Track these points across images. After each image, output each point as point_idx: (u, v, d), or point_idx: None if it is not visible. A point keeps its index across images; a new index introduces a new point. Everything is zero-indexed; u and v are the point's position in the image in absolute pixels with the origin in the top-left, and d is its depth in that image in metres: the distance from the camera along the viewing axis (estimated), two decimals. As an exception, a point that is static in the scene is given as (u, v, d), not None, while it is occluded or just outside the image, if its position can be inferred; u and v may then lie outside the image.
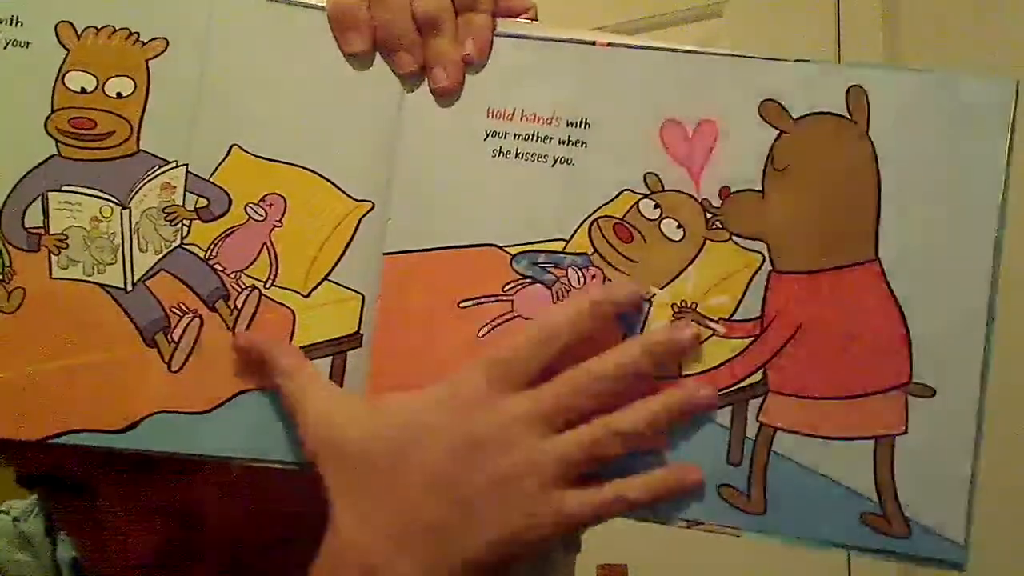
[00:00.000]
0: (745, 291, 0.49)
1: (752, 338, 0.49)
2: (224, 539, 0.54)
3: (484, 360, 0.47)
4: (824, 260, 0.49)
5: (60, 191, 0.50)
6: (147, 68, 0.51)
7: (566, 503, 0.46)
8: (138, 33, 0.51)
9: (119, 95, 0.50)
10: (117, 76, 0.51)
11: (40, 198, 0.50)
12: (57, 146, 0.50)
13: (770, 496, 0.49)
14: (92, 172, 0.50)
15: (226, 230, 0.51)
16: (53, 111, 0.50)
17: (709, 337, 0.50)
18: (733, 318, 0.49)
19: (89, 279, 0.50)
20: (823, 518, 0.48)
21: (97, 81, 0.50)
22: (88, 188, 0.50)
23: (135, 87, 0.50)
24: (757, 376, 0.49)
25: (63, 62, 0.51)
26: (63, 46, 0.51)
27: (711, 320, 0.50)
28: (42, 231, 0.50)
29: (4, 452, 0.53)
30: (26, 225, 0.50)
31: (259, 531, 0.55)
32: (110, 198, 0.50)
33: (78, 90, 0.50)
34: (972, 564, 0.48)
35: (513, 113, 0.51)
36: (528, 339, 0.47)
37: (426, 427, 0.45)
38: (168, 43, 0.51)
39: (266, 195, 0.51)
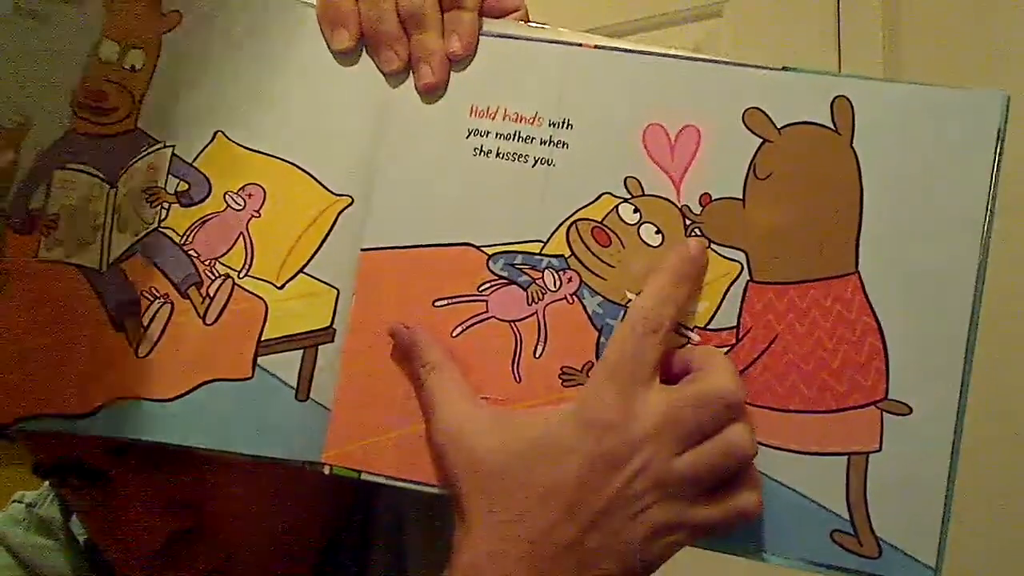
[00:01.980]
0: (722, 300, 0.49)
1: (727, 347, 0.49)
2: (230, 534, 0.54)
3: (606, 366, 0.46)
4: (803, 272, 0.48)
5: (64, 169, 0.49)
6: (160, 42, 0.51)
7: (695, 517, 0.45)
8: (161, 1, 0.51)
9: (133, 68, 0.50)
10: (135, 48, 0.51)
11: (46, 177, 0.50)
12: (74, 120, 0.50)
13: (739, 509, 0.48)
14: (95, 148, 0.50)
15: (204, 216, 0.50)
16: (81, 79, 0.50)
17: (684, 345, 0.49)
18: (709, 327, 0.49)
19: (69, 260, 0.49)
20: (792, 533, 0.47)
21: (119, 51, 0.50)
22: (87, 165, 0.50)
23: (145, 62, 0.50)
24: (731, 386, 0.48)
25: (101, 28, 0.51)
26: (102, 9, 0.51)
27: (686, 328, 0.49)
28: (40, 213, 0.49)
29: (28, 440, 0.53)
30: (29, 206, 0.49)
31: (265, 528, 0.55)
32: (102, 176, 0.50)
33: (105, 60, 0.50)
34: (943, 587, 0.46)
35: (496, 112, 0.51)
36: (635, 332, 0.46)
37: (560, 446, 0.45)
38: (181, 16, 0.51)
39: (246, 185, 0.51)
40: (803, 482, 0.48)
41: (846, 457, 0.47)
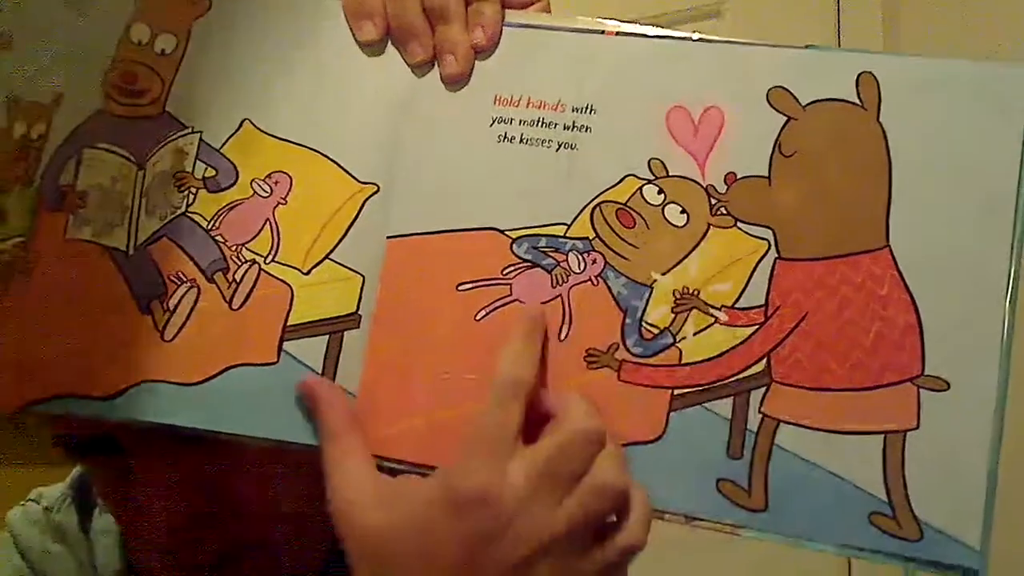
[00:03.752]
0: (750, 278, 0.48)
1: (756, 326, 0.48)
2: (244, 519, 0.54)
3: (469, 437, 0.45)
4: (833, 247, 0.47)
5: (94, 148, 0.51)
6: (190, 28, 0.52)
7: (587, 567, 0.45)
8: None
9: (163, 52, 0.52)
10: (166, 32, 0.52)
11: (75, 154, 0.51)
12: (104, 100, 0.52)
13: (772, 492, 0.46)
14: (123, 129, 0.51)
15: (231, 203, 0.51)
16: (113, 63, 0.52)
17: (711, 325, 0.48)
18: (736, 305, 0.48)
19: (96, 240, 0.50)
20: (829, 517, 0.46)
21: (151, 34, 0.52)
22: (116, 146, 0.51)
23: (176, 45, 0.52)
24: (760, 366, 0.47)
25: (133, 10, 0.52)
26: None
27: (713, 307, 0.48)
28: (69, 188, 0.51)
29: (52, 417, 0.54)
30: (59, 182, 0.51)
31: (278, 517, 0.55)
32: (131, 158, 0.51)
33: (136, 43, 0.52)
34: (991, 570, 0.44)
35: (519, 100, 0.51)
36: (499, 399, 0.46)
37: (434, 523, 0.44)
38: (211, 4, 0.53)
39: (273, 172, 0.51)
40: (838, 463, 0.46)
41: (882, 436, 0.46)
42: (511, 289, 0.49)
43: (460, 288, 0.50)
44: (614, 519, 0.45)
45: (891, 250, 0.47)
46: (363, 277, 0.50)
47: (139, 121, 0.52)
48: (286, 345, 0.50)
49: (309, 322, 0.50)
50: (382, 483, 0.47)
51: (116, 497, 0.57)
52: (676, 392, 0.48)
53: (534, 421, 0.46)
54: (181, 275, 0.50)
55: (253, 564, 0.56)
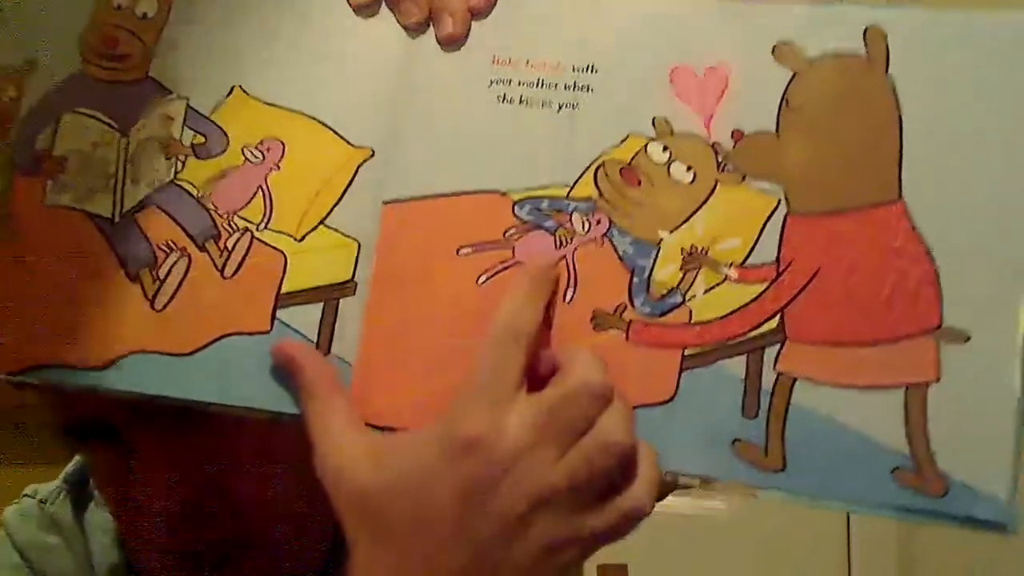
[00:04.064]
0: (760, 234, 0.47)
1: (767, 283, 0.46)
2: (243, 508, 0.54)
3: (468, 383, 0.44)
4: (844, 201, 0.46)
5: (74, 112, 0.49)
6: None
7: (584, 528, 0.43)
8: None
9: (144, 16, 0.50)
10: None
11: (53, 119, 0.49)
12: (83, 64, 0.50)
13: (790, 451, 0.45)
14: (104, 94, 0.50)
15: (222, 170, 0.49)
16: (90, 24, 0.50)
17: (721, 283, 0.46)
18: (747, 262, 0.46)
19: (77, 206, 0.49)
20: (849, 475, 0.44)
21: None
22: (97, 111, 0.49)
23: (158, 9, 0.50)
24: (773, 323, 0.46)
25: None
26: None
27: (723, 265, 0.47)
28: (46, 154, 0.49)
29: (49, 396, 0.53)
30: (35, 146, 0.49)
31: (278, 508, 0.55)
32: (112, 123, 0.49)
33: (116, 7, 0.50)
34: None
35: (518, 60, 0.50)
36: (497, 344, 0.44)
37: (428, 475, 0.43)
38: None
39: (265, 139, 0.50)
40: (858, 419, 0.44)
41: (903, 390, 0.44)
42: (514, 252, 0.48)
43: (460, 252, 0.48)
44: (620, 481, 0.43)
45: (905, 203, 0.46)
46: (359, 243, 0.49)
47: (121, 86, 0.50)
48: (280, 314, 0.48)
49: (303, 290, 0.48)
50: (372, 441, 0.45)
51: (114, 487, 0.55)
52: (687, 352, 0.46)
53: (540, 380, 0.44)
54: (171, 243, 0.49)
55: (253, 563, 0.55)
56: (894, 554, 1.66)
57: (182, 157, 0.49)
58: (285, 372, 0.47)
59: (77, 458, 0.66)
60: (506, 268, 0.48)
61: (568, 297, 0.47)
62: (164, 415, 0.49)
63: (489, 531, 0.42)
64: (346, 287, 0.48)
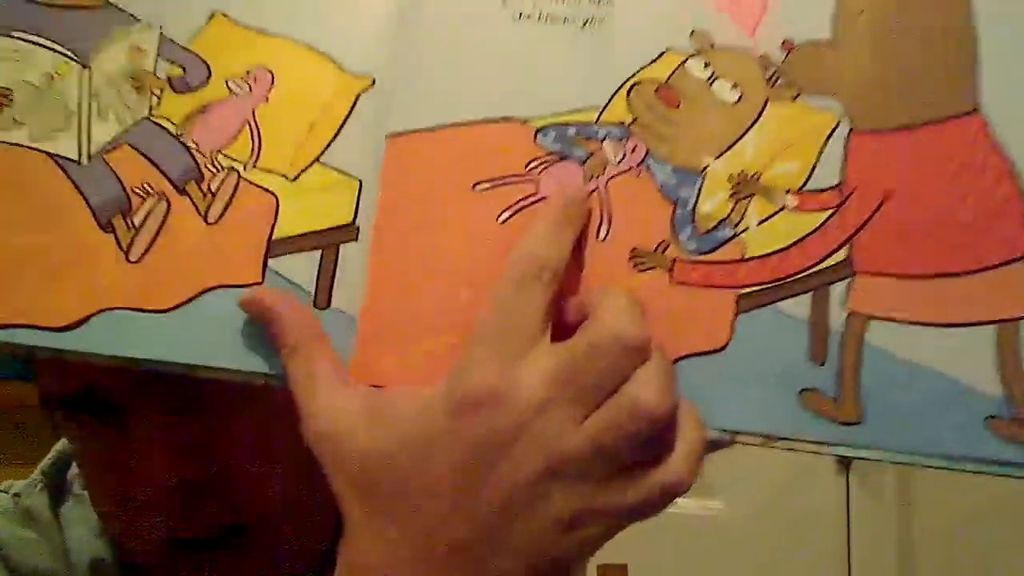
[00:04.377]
0: (819, 156, 0.41)
1: (831, 210, 0.40)
2: (242, 492, 0.50)
3: (480, 328, 0.38)
4: (914, 114, 0.40)
5: (10, 37, 0.43)
6: None
7: (609, 502, 0.37)
8: None
9: None
10: None
11: None
12: None
13: (866, 401, 0.39)
14: (50, 19, 0.44)
15: (203, 104, 0.43)
16: None
17: (778, 212, 0.41)
18: (806, 188, 0.41)
19: (35, 146, 0.42)
20: (937, 425, 0.38)
21: None
22: (43, 38, 0.43)
23: None
24: (840, 255, 0.40)
25: None
26: None
27: (779, 192, 0.41)
28: None
29: (40, 368, 0.50)
30: None
31: (278, 495, 0.51)
32: (68, 53, 0.43)
33: None
34: None
35: (537, -27, 0.44)
36: (512, 282, 0.38)
37: (432, 435, 0.37)
38: None
39: (251, 68, 0.44)
40: (943, 361, 0.38)
41: (993, 326, 0.38)
42: (538, 186, 0.42)
43: (476, 189, 0.42)
44: (655, 449, 0.37)
45: (983, 115, 0.40)
46: (360, 181, 0.43)
47: (72, 12, 0.44)
48: (271, 263, 0.42)
49: (298, 235, 0.42)
50: (367, 399, 0.39)
51: (104, 468, 0.51)
52: (742, 292, 0.40)
53: (567, 330, 0.38)
54: (147, 187, 0.43)
55: (251, 553, 0.51)
56: (894, 554, 1.63)
57: (157, 91, 0.43)
58: (260, 325, 0.41)
59: (55, 449, 0.61)
60: (530, 204, 0.42)
61: (602, 234, 0.41)
62: (166, 387, 0.46)
63: (498, 501, 0.36)
64: (347, 231, 0.42)
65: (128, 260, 0.42)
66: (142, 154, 0.43)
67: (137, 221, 0.42)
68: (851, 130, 0.41)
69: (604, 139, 0.42)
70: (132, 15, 0.44)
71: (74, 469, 0.60)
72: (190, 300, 0.41)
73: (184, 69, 0.44)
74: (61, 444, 0.61)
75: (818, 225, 0.40)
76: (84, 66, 0.43)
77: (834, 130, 0.41)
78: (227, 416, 0.49)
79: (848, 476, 1.63)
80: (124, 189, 0.42)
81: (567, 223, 0.40)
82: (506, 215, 0.42)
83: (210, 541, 0.50)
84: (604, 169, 0.42)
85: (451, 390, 0.37)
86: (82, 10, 0.44)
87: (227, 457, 0.49)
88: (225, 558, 0.50)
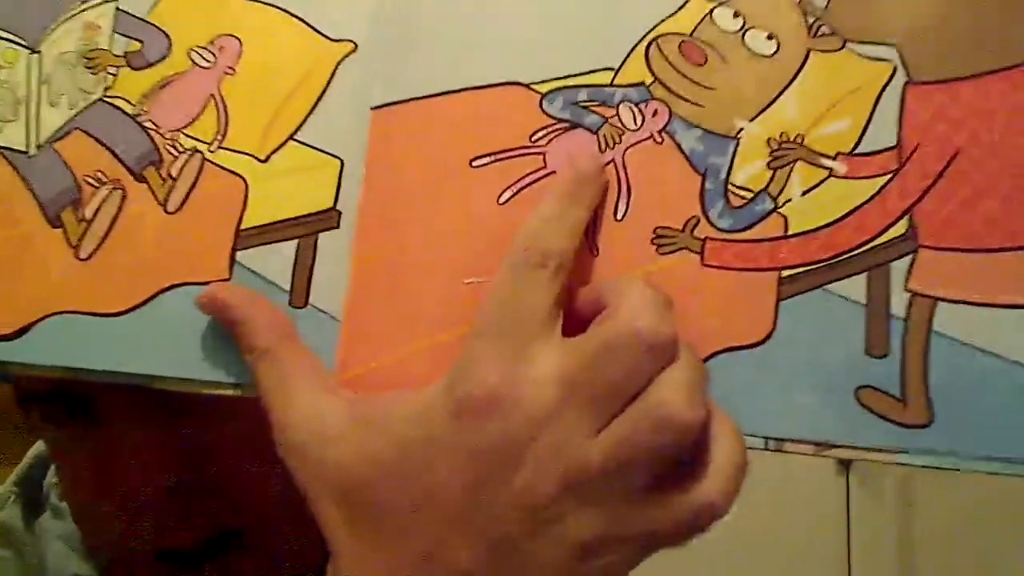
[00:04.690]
0: (872, 113, 0.35)
1: (888, 175, 0.34)
2: (235, 494, 0.46)
3: (481, 321, 0.33)
4: (980, 61, 0.34)
5: None
6: None
7: (634, 526, 0.31)
8: None
9: None
10: None
11: None
12: None
13: (936, 398, 0.33)
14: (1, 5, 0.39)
15: (163, 80, 0.38)
16: None
17: (825, 179, 0.35)
18: (858, 151, 0.35)
19: None
20: (1016, 426, 0.32)
21: None
22: None
23: None
24: (900, 227, 0.34)
25: None
26: None
27: (826, 155, 0.35)
28: None
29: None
30: None
31: (274, 496, 0.44)
32: (16, 39, 0.39)
33: None
34: None
35: (537, -82, 0.38)
36: (515, 269, 0.33)
37: (430, 443, 0.32)
38: None
39: (217, 36, 0.39)
40: (1022, 349, 0.32)
41: (1088, 307, 0.32)
42: (545, 160, 0.36)
43: (475, 164, 0.37)
44: (687, 465, 0.32)
45: (1064, 57, 0.34)
46: (341, 161, 0.37)
47: None
48: (240, 256, 0.37)
49: (270, 224, 0.37)
50: (351, 406, 0.34)
51: (82, 463, 0.47)
52: (785, 274, 0.34)
53: (580, 324, 0.33)
54: (100, 175, 0.38)
55: (245, 563, 0.47)
56: (894, 554, 1.60)
57: (112, 69, 0.39)
58: (222, 326, 0.35)
59: (28, 455, 0.58)
60: (536, 180, 0.36)
61: (620, 212, 0.35)
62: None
63: (506, 521, 0.31)
64: (327, 217, 0.37)
65: (78, 258, 0.37)
66: (95, 139, 0.38)
67: (88, 214, 0.37)
68: (908, 82, 0.35)
69: (620, 103, 0.36)
70: None
71: (51, 477, 0.56)
72: (147, 301, 0.36)
73: (142, 43, 0.39)
74: (35, 449, 0.57)
75: (873, 193, 0.34)
76: (33, 51, 0.39)
77: (888, 82, 0.35)
78: (215, 411, 0.44)
79: (848, 476, 1.60)
80: (74, 178, 0.37)
81: (578, 200, 0.34)
82: (508, 194, 0.36)
83: (202, 554, 0.46)
84: (621, 138, 0.36)
85: (451, 390, 0.32)
86: None
87: (220, 462, 0.45)
88: (219, 571, 0.46)
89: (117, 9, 0.39)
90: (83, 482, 0.48)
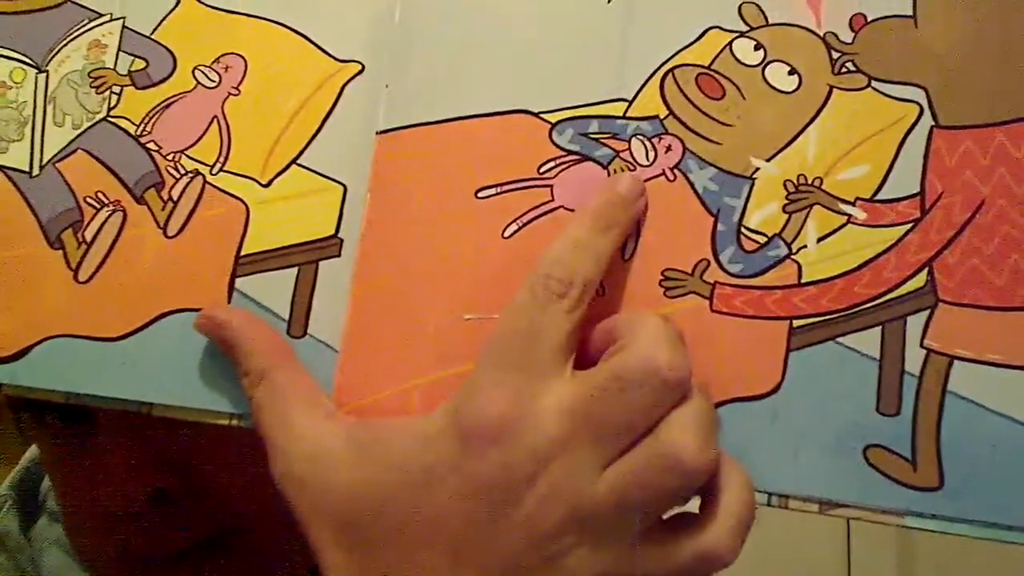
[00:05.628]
0: (895, 157, 0.33)
1: (909, 224, 0.33)
2: (220, 503, 0.45)
3: (492, 350, 0.32)
4: (1011, 106, 0.33)
5: None
6: None
7: (636, 568, 0.31)
8: None
9: None
10: None
11: None
12: None
13: (947, 462, 0.31)
14: (8, 25, 0.39)
15: (167, 99, 0.38)
16: None
17: (843, 226, 0.33)
18: (878, 196, 0.33)
19: None
20: None
21: None
22: (3, 47, 0.38)
23: None
24: (919, 280, 0.33)
25: None
26: None
27: (845, 201, 0.33)
28: None
29: None
30: None
31: (261, 505, 0.44)
32: (24, 59, 0.38)
33: None
34: None
35: (554, -61, 0.37)
36: (534, 298, 0.32)
37: (433, 470, 0.31)
38: None
39: (222, 55, 0.38)
40: None
41: (1113, 373, 0.31)
42: (552, 192, 0.35)
43: (480, 195, 0.36)
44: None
45: (1103, 105, 0.32)
46: (344, 187, 0.36)
47: (30, 15, 0.39)
48: (239, 283, 0.36)
49: (271, 250, 0.36)
50: (354, 429, 0.33)
51: (71, 470, 0.47)
52: (796, 324, 0.33)
53: (589, 361, 0.32)
54: (102, 196, 0.37)
55: (242, 545, 0.47)
56: (894, 554, 1.58)
57: (117, 88, 0.38)
58: (219, 348, 0.35)
59: (24, 460, 0.57)
60: (544, 214, 0.35)
61: (628, 251, 0.34)
62: None
63: (509, 554, 0.30)
64: (328, 245, 0.36)
65: (77, 280, 0.36)
66: (97, 159, 0.37)
67: (89, 236, 0.36)
68: (935, 126, 0.33)
69: (632, 137, 0.35)
70: (94, 9, 0.39)
71: (47, 482, 0.56)
72: (145, 326, 0.36)
73: (147, 61, 0.38)
74: (31, 453, 0.57)
75: (893, 242, 0.33)
76: (40, 70, 0.38)
77: (914, 126, 0.33)
78: (196, 431, 0.44)
79: (849, 525, 1.57)
80: (76, 199, 0.37)
81: (611, 226, 0.33)
82: (513, 228, 0.35)
83: (191, 559, 0.45)
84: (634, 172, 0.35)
85: (452, 419, 0.31)
86: (40, 12, 0.39)
87: (208, 465, 0.45)
88: (209, 570, 0.46)
89: (124, 27, 0.38)
90: (72, 486, 0.48)
